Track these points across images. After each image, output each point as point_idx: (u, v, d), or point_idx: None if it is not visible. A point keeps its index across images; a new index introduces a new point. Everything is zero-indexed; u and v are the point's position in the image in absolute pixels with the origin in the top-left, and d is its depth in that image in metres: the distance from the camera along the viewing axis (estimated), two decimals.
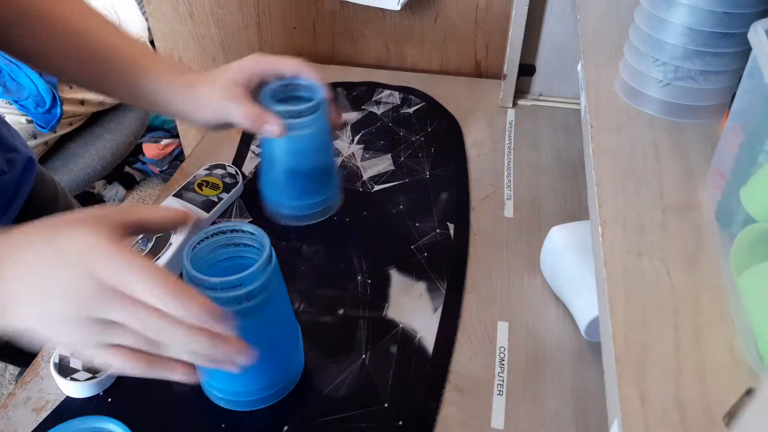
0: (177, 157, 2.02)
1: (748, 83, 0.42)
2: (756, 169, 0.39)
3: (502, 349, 0.63)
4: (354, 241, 0.75)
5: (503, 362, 0.62)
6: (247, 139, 0.92)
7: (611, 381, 0.36)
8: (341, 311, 0.67)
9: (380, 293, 0.69)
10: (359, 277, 0.70)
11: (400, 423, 0.57)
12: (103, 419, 0.49)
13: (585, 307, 0.62)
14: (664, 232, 0.44)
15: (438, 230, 0.76)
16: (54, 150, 1.59)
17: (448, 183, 0.83)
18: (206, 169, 0.83)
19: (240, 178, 0.82)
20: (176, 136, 1.98)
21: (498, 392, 0.60)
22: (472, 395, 0.59)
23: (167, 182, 0.87)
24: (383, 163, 0.87)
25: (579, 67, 0.62)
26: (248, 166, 0.87)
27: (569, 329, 0.65)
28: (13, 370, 1.52)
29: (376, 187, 0.83)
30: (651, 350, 0.37)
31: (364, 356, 0.62)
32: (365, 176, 0.85)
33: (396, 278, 0.70)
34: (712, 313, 0.39)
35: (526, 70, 0.97)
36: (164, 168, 2.03)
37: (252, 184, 0.84)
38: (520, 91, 1.00)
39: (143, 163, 2.04)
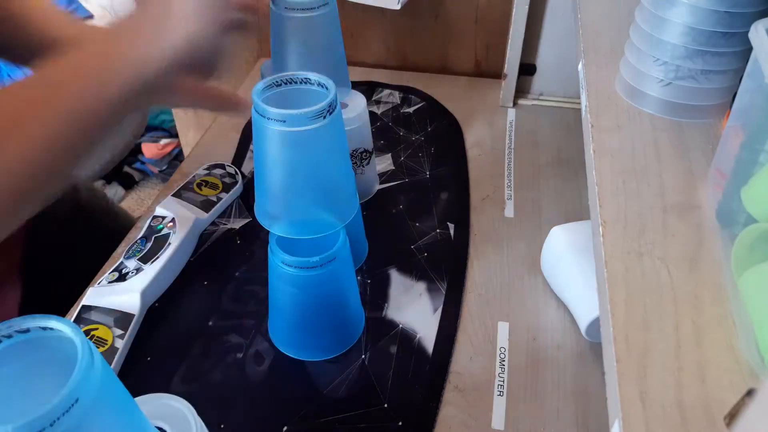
0: (176, 157, 2.02)
1: (749, 83, 0.42)
2: (757, 169, 0.39)
3: (503, 350, 0.63)
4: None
5: (503, 362, 0.62)
6: (246, 138, 0.92)
7: (612, 381, 0.36)
8: None
9: (380, 293, 0.68)
10: (359, 277, 0.70)
11: (400, 423, 0.57)
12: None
13: (585, 308, 0.62)
14: (665, 231, 0.44)
15: (438, 230, 0.76)
16: None
17: (448, 183, 0.83)
18: (205, 169, 0.82)
19: (239, 177, 0.82)
20: (175, 135, 1.98)
21: (498, 393, 0.60)
22: (472, 395, 0.59)
23: (166, 182, 0.86)
24: (383, 163, 0.87)
25: (579, 66, 0.62)
26: (248, 166, 0.87)
27: (570, 329, 0.65)
28: None
29: (376, 187, 0.82)
30: (652, 350, 0.36)
31: (363, 356, 0.62)
32: None
33: (396, 278, 0.70)
34: (712, 313, 0.38)
35: (527, 69, 0.97)
36: (163, 168, 2.02)
37: (251, 184, 0.84)
38: (521, 91, 1.00)
39: (142, 162, 2.04)
